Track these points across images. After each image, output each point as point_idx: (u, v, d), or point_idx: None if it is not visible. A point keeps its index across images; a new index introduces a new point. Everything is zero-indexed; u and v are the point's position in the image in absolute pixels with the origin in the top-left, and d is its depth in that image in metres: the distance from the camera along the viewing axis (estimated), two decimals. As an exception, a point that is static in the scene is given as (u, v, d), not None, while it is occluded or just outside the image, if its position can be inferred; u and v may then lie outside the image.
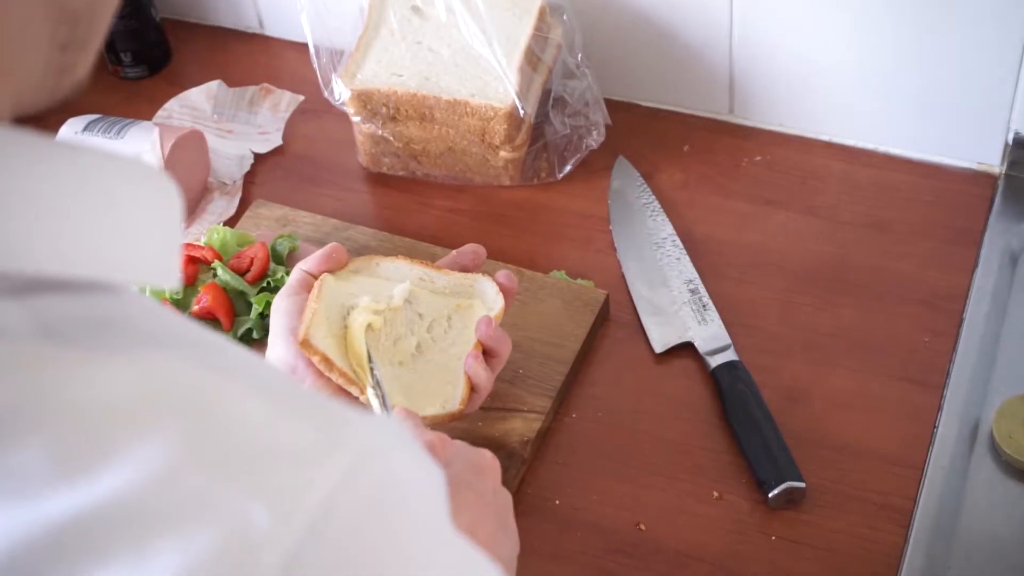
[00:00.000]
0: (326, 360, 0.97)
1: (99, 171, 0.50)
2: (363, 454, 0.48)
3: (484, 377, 1.01)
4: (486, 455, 0.90)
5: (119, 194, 0.50)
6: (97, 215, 0.49)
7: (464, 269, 1.09)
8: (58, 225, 0.48)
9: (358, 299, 1.01)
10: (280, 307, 1.03)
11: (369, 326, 1.00)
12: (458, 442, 0.91)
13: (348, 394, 0.98)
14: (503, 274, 1.07)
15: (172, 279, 0.53)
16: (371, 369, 0.98)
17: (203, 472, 0.45)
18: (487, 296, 1.06)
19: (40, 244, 0.47)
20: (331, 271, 1.04)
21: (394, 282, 1.05)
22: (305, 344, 0.97)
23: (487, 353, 1.03)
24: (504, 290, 1.06)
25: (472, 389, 1.02)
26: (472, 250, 1.10)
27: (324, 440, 0.48)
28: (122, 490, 0.44)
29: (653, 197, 1.29)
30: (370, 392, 0.96)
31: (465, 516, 0.81)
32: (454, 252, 1.10)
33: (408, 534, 0.50)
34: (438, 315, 1.04)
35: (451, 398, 1.01)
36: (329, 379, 0.98)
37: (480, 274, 1.07)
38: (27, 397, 0.45)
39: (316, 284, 1.02)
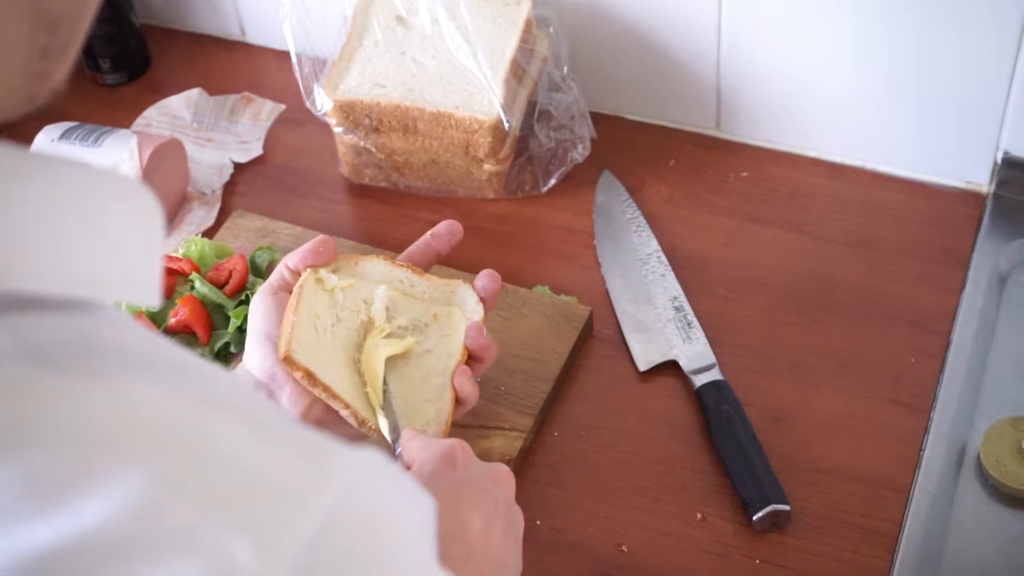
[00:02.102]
0: (309, 375, 0.93)
1: (77, 184, 0.49)
2: (350, 489, 0.47)
3: (472, 391, 0.99)
4: (502, 467, 0.88)
5: (98, 208, 0.49)
6: (75, 230, 0.48)
7: (439, 254, 1.05)
8: (35, 241, 0.46)
9: (352, 311, 0.99)
10: (258, 309, 0.97)
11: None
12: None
13: (331, 409, 0.95)
14: (486, 273, 1.03)
15: (152, 296, 0.51)
16: (385, 391, 0.96)
17: (186, 504, 0.44)
18: (467, 305, 1.02)
19: (16, 260, 0.46)
20: (317, 266, 0.99)
21: (373, 283, 1.02)
22: (287, 360, 0.93)
23: (472, 359, 1.00)
24: (487, 290, 1.02)
25: (458, 402, 0.99)
26: (447, 228, 1.05)
27: (311, 474, 0.47)
28: (102, 522, 0.42)
29: (638, 212, 1.28)
30: (380, 415, 0.95)
31: (480, 517, 0.80)
32: (427, 234, 1.05)
33: (395, 572, 0.48)
34: (416, 323, 1.01)
35: (434, 418, 0.97)
36: (309, 391, 0.95)
37: (461, 281, 1.04)
38: (5, 421, 0.43)
39: (296, 289, 0.97)
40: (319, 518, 0.45)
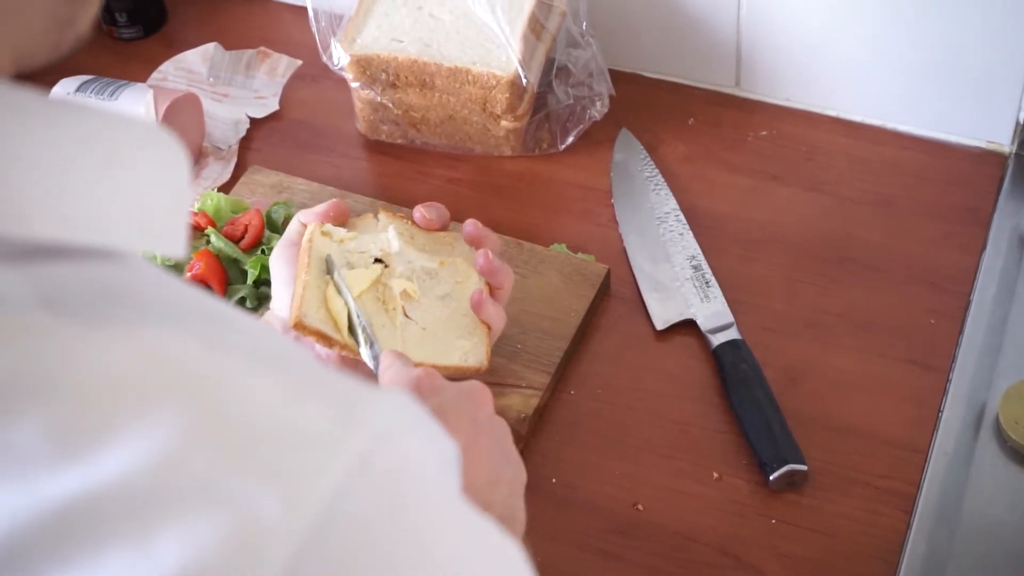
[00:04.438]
0: (323, 337, 0.95)
1: (104, 131, 0.48)
2: (378, 437, 0.46)
3: (495, 314, 1.02)
4: (474, 383, 0.86)
5: (124, 156, 0.48)
6: (101, 178, 0.47)
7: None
8: (60, 188, 0.46)
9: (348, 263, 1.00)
10: (281, 256, 1.01)
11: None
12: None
13: (353, 363, 0.96)
14: (470, 222, 1.05)
15: (178, 247, 0.50)
16: (350, 320, 0.95)
17: (210, 455, 0.43)
18: (468, 253, 1.06)
19: (41, 208, 0.45)
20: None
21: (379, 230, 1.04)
22: (298, 326, 0.95)
23: (492, 288, 1.03)
24: (469, 236, 1.05)
25: (487, 329, 1.02)
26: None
27: (337, 423, 0.46)
28: (123, 473, 0.42)
29: (656, 170, 1.27)
30: (359, 336, 0.94)
31: (458, 438, 0.79)
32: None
33: (424, 521, 0.48)
34: (425, 269, 1.03)
35: (470, 351, 1.00)
36: (324, 337, 0.96)
37: (458, 234, 1.07)
38: (26, 370, 0.42)
39: (304, 244, 0.99)
40: (346, 467, 0.44)
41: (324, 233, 1.01)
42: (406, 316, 1.00)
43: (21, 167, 0.44)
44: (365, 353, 0.94)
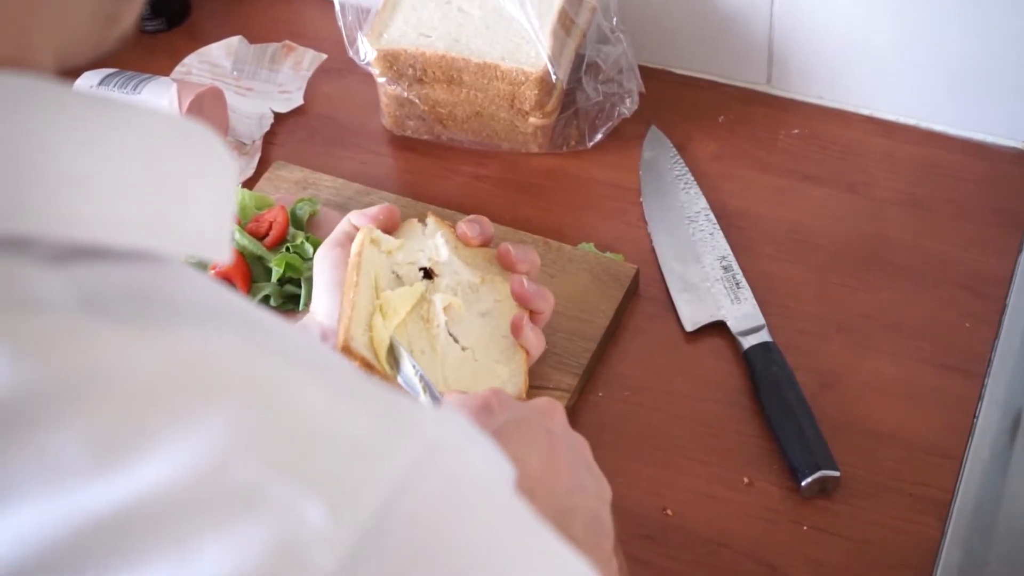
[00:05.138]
0: (367, 365, 0.94)
1: (147, 130, 0.47)
2: (430, 447, 0.44)
3: (535, 340, 1.02)
4: (546, 399, 0.86)
5: (169, 156, 0.47)
6: (145, 179, 0.46)
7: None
8: (102, 188, 0.44)
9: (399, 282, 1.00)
10: (326, 259, 1.01)
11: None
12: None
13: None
14: (516, 279, 1.04)
15: (223, 251, 0.49)
16: (402, 358, 0.94)
17: (254, 462, 0.42)
18: (508, 273, 1.05)
19: (82, 208, 0.44)
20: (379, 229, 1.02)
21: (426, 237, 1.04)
22: (346, 350, 0.93)
23: (531, 312, 1.03)
24: (517, 297, 1.03)
25: (527, 354, 1.02)
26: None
27: (387, 432, 0.44)
28: (165, 482, 0.40)
29: (686, 169, 1.25)
30: (414, 381, 0.93)
31: (534, 453, 0.78)
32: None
33: (479, 531, 0.46)
34: (470, 283, 1.03)
35: (508, 378, 0.99)
36: (369, 367, 0.95)
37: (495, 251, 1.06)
38: (66, 376, 0.41)
39: (352, 257, 0.97)
40: (396, 478, 0.43)
41: (373, 241, 1.00)
42: (448, 333, 0.99)
43: (61, 166, 0.43)
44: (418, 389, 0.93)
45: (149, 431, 0.41)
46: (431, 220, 1.05)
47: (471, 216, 1.07)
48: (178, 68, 1.41)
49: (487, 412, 0.82)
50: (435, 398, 0.92)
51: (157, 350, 0.43)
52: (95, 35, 0.49)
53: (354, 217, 1.03)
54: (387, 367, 0.94)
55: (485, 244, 1.07)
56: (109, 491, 0.40)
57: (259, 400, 0.43)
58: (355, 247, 0.99)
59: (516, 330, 1.01)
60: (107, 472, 0.40)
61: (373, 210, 1.04)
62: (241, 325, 0.47)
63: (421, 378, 0.93)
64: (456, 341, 1.00)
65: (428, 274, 1.02)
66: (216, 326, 0.45)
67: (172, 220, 0.47)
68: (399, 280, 1.00)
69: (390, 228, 1.04)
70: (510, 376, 1.00)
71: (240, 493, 0.41)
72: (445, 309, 0.99)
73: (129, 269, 0.45)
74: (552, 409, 0.84)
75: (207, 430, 0.41)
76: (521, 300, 1.03)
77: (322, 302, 1.00)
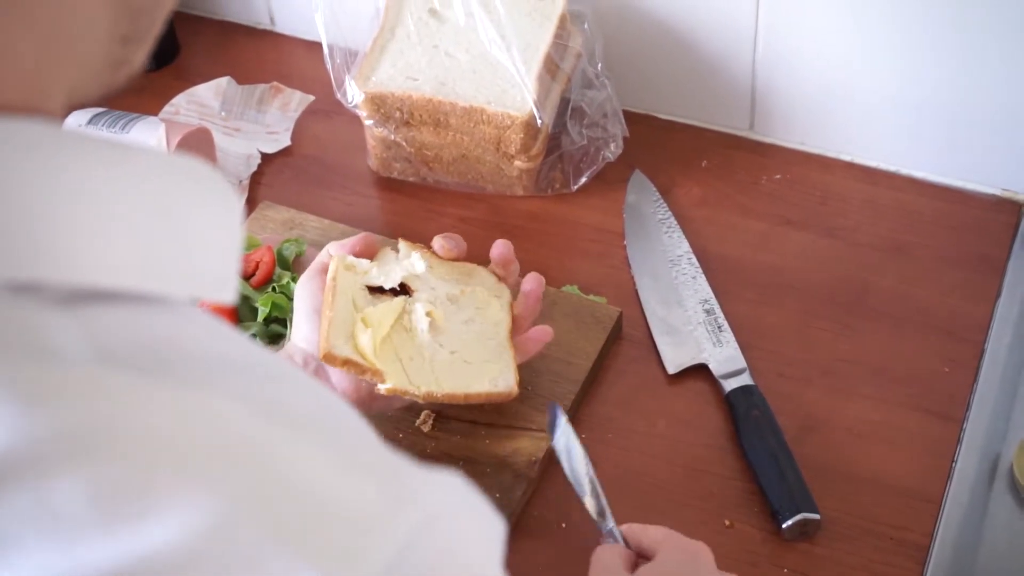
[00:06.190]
0: (353, 365, 0.96)
1: (154, 172, 0.47)
2: (426, 518, 0.45)
3: (532, 347, 1.06)
4: (700, 546, 0.88)
5: (176, 198, 0.48)
6: (151, 221, 0.46)
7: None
8: (109, 232, 0.45)
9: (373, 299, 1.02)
10: (305, 287, 1.02)
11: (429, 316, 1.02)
12: (662, 529, 0.89)
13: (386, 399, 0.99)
14: (500, 243, 1.08)
15: (228, 292, 0.49)
16: (587, 476, 0.95)
17: (257, 532, 0.42)
18: (487, 283, 1.07)
19: (88, 252, 0.44)
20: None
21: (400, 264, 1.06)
22: (327, 357, 0.96)
23: (515, 320, 1.06)
24: (500, 256, 1.08)
25: (520, 322, 1.06)
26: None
27: (387, 501, 0.45)
28: (168, 545, 0.41)
29: (669, 213, 1.26)
30: (587, 500, 0.94)
31: None
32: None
33: None
34: (448, 294, 1.05)
35: (499, 375, 1.01)
36: (355, 366, 0.97)
37: (475, 265, 1.08)
38: (77, 427, 0.41)
39: (328, 282, 1.00)
40: (393, 549, 0.44)
41: (347, 267, 1.02)
42: (432, 340, 1.01)
43: (68, 210, 0.44)
44: (604, 527, 0.94)
45: (154, 490, 0.41)
46: (403, 244, 1.07)
47: (446, 233, 1.09)
48: (166, 108, 1.42)
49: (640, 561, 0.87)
50: (602, 508, 0.94)
51: (168, 407, 0.43)
52: (105, 78, 0.50)
53: (333, 247, 1.05)
54: (375, 362, 0.96)
55: (461, 258, 1.08)
56: (112, 549, 0.40)
57: (263, 468, 0.44)
58: (330, 273, 1.01)
59: (519, 327, 1.05)
60: (110, 530, 0.40)
61: (350, 240, 1.05)
62: (248, 378, 0.47)
63: (590, 480, 0.95)
64: (442, 347, 1.02)
65: (405, 290, 1.04)
66: (227, 381, 0.45)
67: (179, 262, 0.47)
68: (376, 300, 1.02)
69: (367, 257, 1.05)
70: (500, 372, 1.02)
71: (241, 563, 0.41)
72: (427, 314, 1.02)
73: (138, 313, 0.45)
74: (702, 552, 0.88)
75: (212, 497, 0.42)
76: (501, 259, 1.07)
77: (301, 329, 1.01)
